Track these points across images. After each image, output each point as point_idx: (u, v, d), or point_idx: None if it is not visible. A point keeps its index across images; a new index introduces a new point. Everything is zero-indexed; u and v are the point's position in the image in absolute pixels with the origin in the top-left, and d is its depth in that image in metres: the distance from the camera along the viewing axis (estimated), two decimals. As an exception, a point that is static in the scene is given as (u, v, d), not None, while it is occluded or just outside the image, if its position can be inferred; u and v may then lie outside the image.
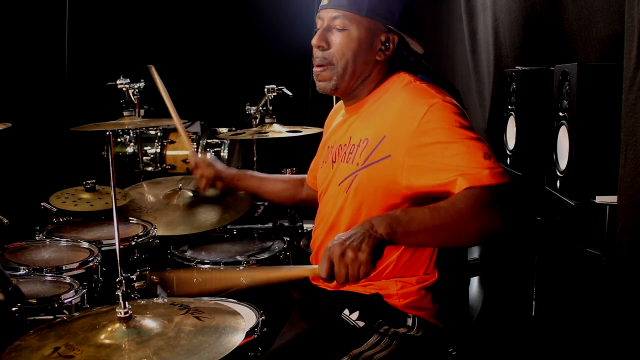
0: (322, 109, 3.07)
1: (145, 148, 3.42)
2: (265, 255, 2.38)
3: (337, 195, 1.67)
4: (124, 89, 3.08)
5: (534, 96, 2.32)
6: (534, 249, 2.22)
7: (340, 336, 1.56)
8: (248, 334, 1.53)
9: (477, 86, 3.18)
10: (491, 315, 2.67)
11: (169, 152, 3.48)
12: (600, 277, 1.77)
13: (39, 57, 3.69)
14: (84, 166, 3.23)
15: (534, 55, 2.64)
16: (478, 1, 3.13)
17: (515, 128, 2.42)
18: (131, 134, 3.44)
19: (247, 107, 3.22)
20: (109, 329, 1.28)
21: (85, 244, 2.23)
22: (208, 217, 2.58)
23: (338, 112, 1.88)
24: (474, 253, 2.88)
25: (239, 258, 2.35)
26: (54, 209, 2.50)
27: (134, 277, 2.12)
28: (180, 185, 2.72)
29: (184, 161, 3.44)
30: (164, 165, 3.46)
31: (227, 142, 3.43)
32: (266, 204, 3.22)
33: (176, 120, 2.34)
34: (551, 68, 2.12)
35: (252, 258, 2.35)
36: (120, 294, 1.28)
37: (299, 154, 3.39)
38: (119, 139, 3.48)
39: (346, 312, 1.60)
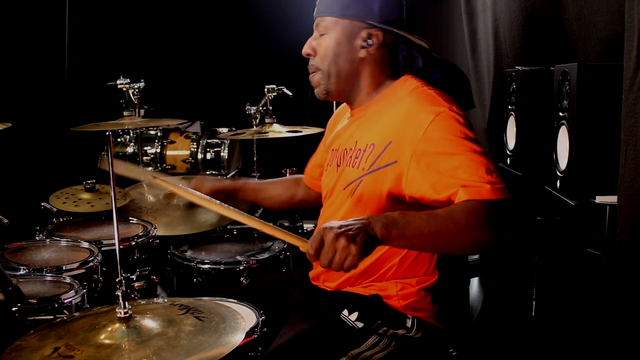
0: (322, 109, 3.08)
1: (145, 148, 3.42)
2: (265, 255, 2.38)
3: (342, 199, 1.67)
4: (124, 89, 3.07)
5: (534, 96, 2.32)
6: (534, 249, 2.22)
7: (339, 337, 1.56)
8: (248, 334, 1.53)
9: (477, 86, 3.18)
10: (491, 315, 2.67)
11: (169, 152, 3.47)
12: (600, 277, 1.77)
13: (39, 57, 3.69)
14: (84, 166, 3.23)
15: (534, 55, 2.64)
16: (478, 1, 3.13)
17: (515, 128, 2.42)
18: (131, 134, 3.44)
19: (247, 107, 3.22)
20: (109, 329, 1.28)
21: (86, 244, 2.23)
22: (208, 217, 2.58)
23: (343, 114, 1.87)
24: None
25: (239, 258, 2.35)
26: (54, 209, 2.50)
27: (134, 277, 2.13)
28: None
29: (184, 161, 3.45)
30: (164, 165, 3.45)
31: (227, 142, 3.43)
32: None
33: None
34: (551, 68, 2.12)
35: (252, 258, 2.35)
36: (120, 294, 1.28)
37: (299, 154, 3.38)
38: (119, 139, 3.48)
39: (345, 312, 1.60)
